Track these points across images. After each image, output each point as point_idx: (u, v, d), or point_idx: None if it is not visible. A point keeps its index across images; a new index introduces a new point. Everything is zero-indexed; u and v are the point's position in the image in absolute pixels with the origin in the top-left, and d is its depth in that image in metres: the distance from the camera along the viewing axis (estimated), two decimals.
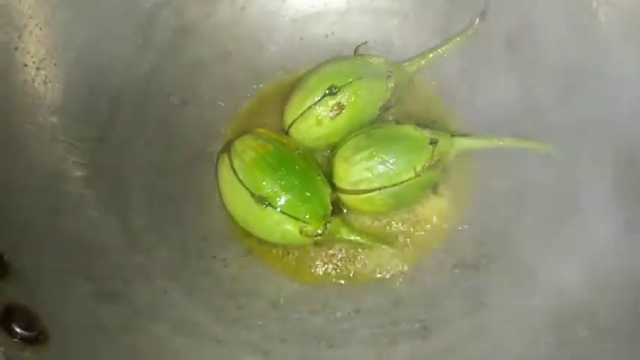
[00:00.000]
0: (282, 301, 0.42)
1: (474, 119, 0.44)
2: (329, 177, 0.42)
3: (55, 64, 0.42)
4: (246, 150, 0.41)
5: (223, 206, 0.43)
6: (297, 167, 0.41)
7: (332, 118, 0.42)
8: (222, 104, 0.47)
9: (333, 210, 0.41)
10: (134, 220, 0.42)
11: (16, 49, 0.41)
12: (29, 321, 0.33)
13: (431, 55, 0.45)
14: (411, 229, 0.43)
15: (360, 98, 0.42)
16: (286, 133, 0.44)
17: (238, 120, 0.46)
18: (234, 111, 0.47)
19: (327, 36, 0.48)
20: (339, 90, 0.42)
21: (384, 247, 0.42)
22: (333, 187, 0.42)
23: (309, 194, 0.40)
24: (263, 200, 0.40)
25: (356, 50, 0.46)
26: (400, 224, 0.43)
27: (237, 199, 0.41)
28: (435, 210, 0.43)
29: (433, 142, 0.41)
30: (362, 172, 0.41)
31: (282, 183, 0.40)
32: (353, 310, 0.41)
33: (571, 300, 0.37)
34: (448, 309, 0.40)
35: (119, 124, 0.43)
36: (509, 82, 0.43)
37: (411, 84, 0.45)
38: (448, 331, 0.39)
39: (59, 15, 0.42)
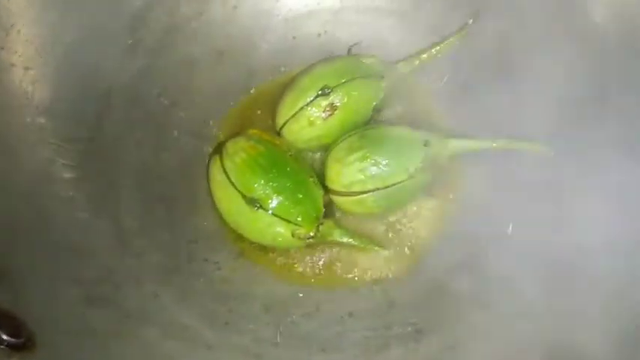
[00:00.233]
0: (274, 304, 0.41)
1: (468, 120, 0.44)
2: (321, 179, 0.42)
3: (43, 64, 0.41)
4: (238, 151, 0.41)
5: (215, 208, 0.42)
6: (289, 169, 0.41)
7: (324, 119, 0.42)
8: (214, 104, 0.46)
9: (325, 212, 0.41)
10: (124, 222, 0.42)
11: (2, 48, 0.40)
12: (16, 327, 0.32)
13: (424, 55, 0.45)
14: (404, 231, 0.43)
15: (353, 99, 0.42)
16: (278, 134, 0.43)
17: (230, 121, 0.46)
18: (226, 111, 0.46)
19: (319, 35, 0.47)
20: (331, 90, 0.42)
21: (377, 249, 0.42)
22: (326, 189, 0.42)
23: (301, 196, 0.40)
24: (254, 202, 0.39)
25: (349, 50, 0.46)
26: (393, 226, 0.43)
27: (228, 201, 0.41)
28: (428, 212, 0.43)
29: (426, 144, 0.41)
30: (355, 173, 0.40)
31: (274, 185, 0.40)
32: (345, 314, 0.41)
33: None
34: (441, 312, 0.40)
35: (109, 125, 0.43)
36: (502, 83, 0.43)
37: (404, 84, 0.45)
38: (441, 335, 0.39)
39: (47, 14, 0.41)
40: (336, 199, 0.42)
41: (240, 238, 0.42)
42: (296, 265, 0.42)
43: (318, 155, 0.44)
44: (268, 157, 0.41)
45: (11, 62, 0.40)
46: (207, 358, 0.38)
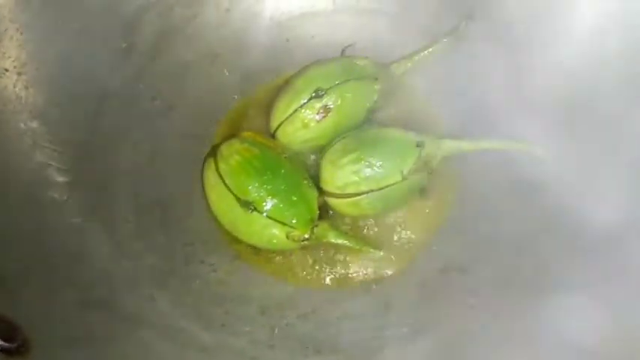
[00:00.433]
0: (270, 306, 0.41)
1: (462, 121, 0.44)
2: (316, 181, 0.42)
3: (36, 69, 0.41)
4: (232, 154, 0.41)
5: (210, 211, 0.42)
6: (283, 171, 0.41)
7: (318, 121, 0.42)
8: (209, 107, 0.46)
9: (320, 214, 0.41)
10: (120, 226, 0.42)
11: None
12: (10, 331, 0.32)
13: (418, 56, 0.45)
14: (399, 232, 0.43)
15: (347, 101, 0.42)
16: (273, 136, 0.44)
17: (224, 123, 0.46)
18: (220, 114, 0.46)
19: (313, 37, 0.47)
20: (325, 93, 0.42)
21: (371, 250, 0.42)
22: (321, 191, 0.42)
23: (295, 198, 0.40)
24: (249, 205, 0.39)
25: (342, 52, 0.46)
26: (388, 227, 0.43)
27: (223, 204, 0.41)
28: (422, 213, 0.43)
29: (420, 145, 0.41)
30: (349, 175, 0.40)
31: (268, 187, 0.40)
32: (341, 315, 0.41)
33: None
34: (437, 312, 0.40)
35: (103, 129, 0.43)
36: (496, 84, 0.43)
37: (398, 86, 0.45)
38: (437, 335, 0.39)
39: (41, 19, 0.41)
40: (331, 200, 0.42)
41: (235, 240, 0.42)
42: (291, 267, 0.42)
43: (312, 157, 0.44)
44: (262, 159, 0.41)
45: (5, 67, 0.40)
46: None
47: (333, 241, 0.41)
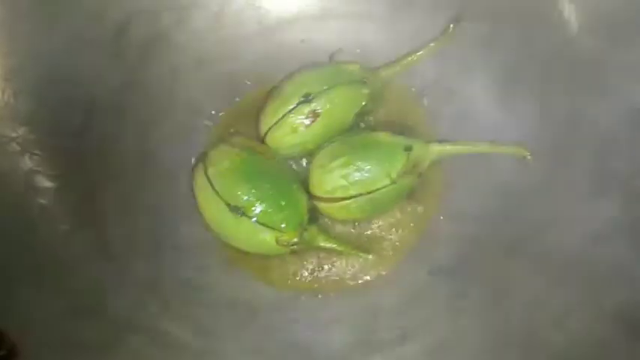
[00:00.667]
0: (260, 311, 0.41)
1: (450, 125, 0.44)
2: (306, 185, 0.42)
3: (25, 75, 0.41)
4: (221, 159, 0.41)
5: (200, 216, 0.42)
6: (272, 176, 0.41)
7: (307, 126, 0.42)
8: (198, 113, 0.46)
9: (309, 218, 0.41)
10: (109, 232, 0.42)
11: None
12: None
13: (406, 60, 0.45)
14: (388, 236, 0.43)
15: (336, 105, 0.42)
16: (262, 141, 0.44)
17: (214, 128, 0.46)
18: (209, 119, 0.46)
19: (302, 41, 0.47)
20: (313, 97, 0.42)
21: (360, 254, 0.42)
22: (310, 195, 0.42)
23: (284, 203, 0.40)
24: (238, 210, 0.39)
25: (331, 57, 0.46)
26: (377, 231, 0.43)
27: (213, 209, 0.41)
28: (411, 216, 0.43)
29: (408, 149, 0.41)
30: (338, 179, 0.40)
31: (257, 192, 0.40)
32: (331, 319, 0.41)
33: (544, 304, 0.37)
34: (426, 315, 0.40)
35: (92, 135, 0.43)
36: (484, 88, 0.43)
37: (386, 90, 0.45)
38: (427, 338, 0.39)
39: (28, 25, 0.41)
40: (320, 205, 0.42)
41: (225, 245, 0.42)
42: (281, 272, 0.43)
43: (302, 162, 0.44)
44: (251, 164, 0.41)
45: None
46: None
47: (322, 245, 0.42)
